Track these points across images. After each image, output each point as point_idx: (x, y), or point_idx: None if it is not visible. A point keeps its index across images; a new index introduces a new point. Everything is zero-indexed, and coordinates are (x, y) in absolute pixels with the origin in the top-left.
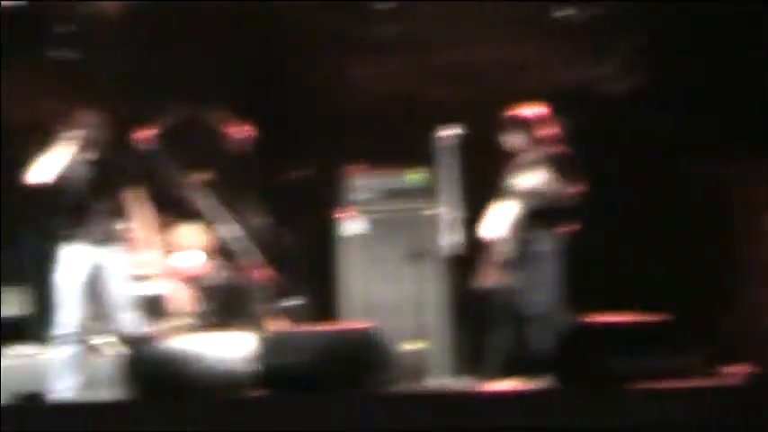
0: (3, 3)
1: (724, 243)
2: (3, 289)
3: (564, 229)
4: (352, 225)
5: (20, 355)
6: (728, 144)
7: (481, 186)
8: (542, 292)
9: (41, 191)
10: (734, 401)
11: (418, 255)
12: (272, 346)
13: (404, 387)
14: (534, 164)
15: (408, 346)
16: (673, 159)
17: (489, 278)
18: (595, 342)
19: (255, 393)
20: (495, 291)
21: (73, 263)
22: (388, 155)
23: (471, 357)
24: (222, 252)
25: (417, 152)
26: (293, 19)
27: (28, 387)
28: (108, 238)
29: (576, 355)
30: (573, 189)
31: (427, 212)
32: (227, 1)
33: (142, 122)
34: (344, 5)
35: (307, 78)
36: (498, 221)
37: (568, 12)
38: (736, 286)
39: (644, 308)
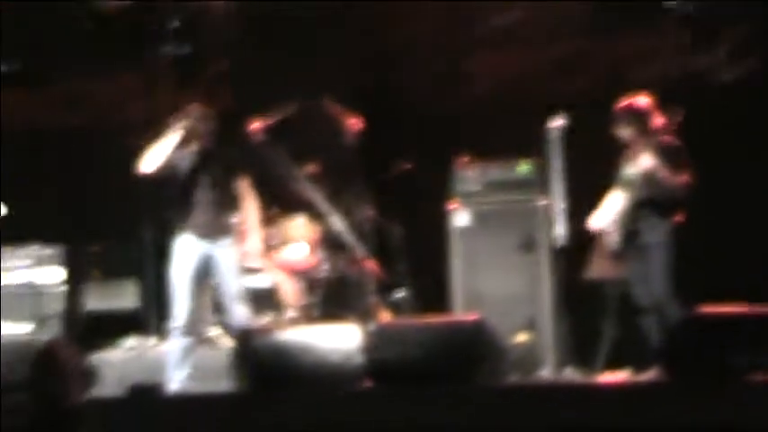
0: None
1: None
2: (120, 282)
3: (675, 219)
4: (460, 217)
5: (134, 347)
6: None
7: (590, 177)
8: (653, 283)
9: (154, 183)
10: None
11: (527, 246)
12: (380, 339)
13: (513, 380)
14: (645, 154)
15: (517, 339)
16: None
17: (599, 269)
18: (710, 333)
19: (363, 386)
20: (605, 282)
21: (185, 255)
22: (496, 146)
23: (581, 349)
24: (330, 245)
25: (526, 143)
26: (405, 11)
27: (143, 379)
28: (219, 231)
29: (690, 347)
30: (683, 179)
31: (536, 204)
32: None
33: (252, 115)
34: None
35: (417, 70)
36: (609, 212)
37: (679, 1)
38: None
39: (757, 299)
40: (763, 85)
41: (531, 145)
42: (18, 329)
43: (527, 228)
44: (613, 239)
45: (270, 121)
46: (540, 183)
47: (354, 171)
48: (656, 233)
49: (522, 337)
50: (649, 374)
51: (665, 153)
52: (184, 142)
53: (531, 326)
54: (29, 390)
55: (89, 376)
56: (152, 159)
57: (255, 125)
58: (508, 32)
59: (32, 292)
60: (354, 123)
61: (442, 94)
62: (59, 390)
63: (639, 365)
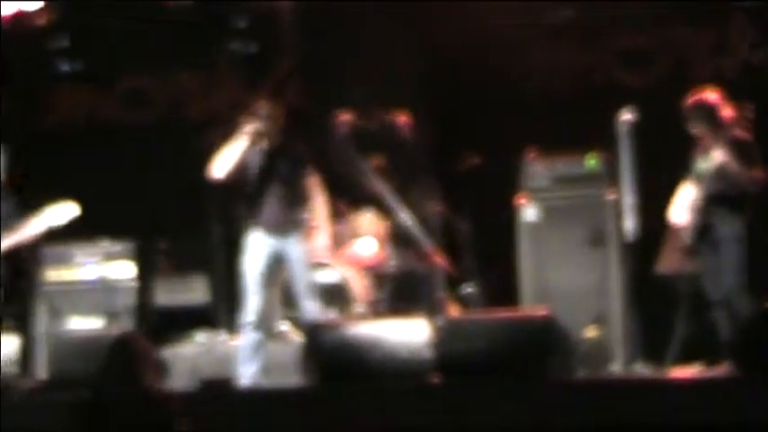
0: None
1: None
2: (190, 277)
3: (747, 214)
4: (529, 212)
5: (205, 341)
6: None
7: (659, 171)
8: (725, 277)
9: (224, 180)
10: None
11: (596, 241)
12: (449, 334)
13: (582, 375)
14: (717, 148)
15: (587, 334)
16: None
17: (670, 264)
18: None
19: (432, 380)
20: (676, 276)
21: (255, 251)
22: (565, 140)
23: (651, 344)
24: (398, 239)
25: (595, 137)
26: (472, 6)
27: (213, 373)
28: (288, 227)
29: (761, 341)
30: (755, 173)
31: (605, 198)
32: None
33: (321, 112)
34: None
35: (484, 65)
36: (681, 206)
37: None
38: None
39: None
40: None
41: (600, 139)
42: (89, 324)
43: (596, 222)
44: (686, 234)
45: (339, 117)
46: (608, 177)
47: (421, 166)
48: (729, 227)
49: (591, 332)
50: (721, 369)
51: (737, 147)
52: (254, 141)
53: (600, 320)
54: (103, 381)
55: (161, 370)
56: (222, 164)
57: (344, 118)
58: (576, 25)
59: (103, 288)
60: (404, 121)
61: (511, 88)
62: (135, 381)
63: (711, 360)
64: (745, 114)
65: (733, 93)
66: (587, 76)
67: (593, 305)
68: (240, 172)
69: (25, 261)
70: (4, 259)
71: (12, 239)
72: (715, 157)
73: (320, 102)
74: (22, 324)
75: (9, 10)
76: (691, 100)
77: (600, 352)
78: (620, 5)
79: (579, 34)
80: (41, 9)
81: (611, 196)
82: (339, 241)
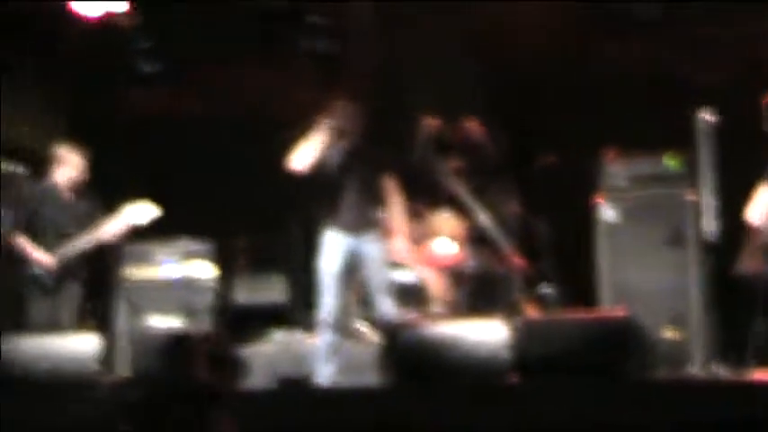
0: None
1: None
2: (268, 275)
3: None
4: (607, 211)
5: (284, 340)
6: None
7: (741, 170)
8: None
9: (303, 179)
10: None
11: (676, 241)
12: (527, 334)
13: (661, 375)
14: None
15: (665, 334)
16: None
17: (750, 264)
18: None
19: (510, 381)
20: (756, 277)
21: (332, 251)
22: (644, 139)
23: (730, 346)
24: (476, 240)
25: (674, 136)
26: (548, 4)
27: (291, 372)
28: (365, 226)
29: None
30: None
31: (685, 198)
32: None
33: (398, 112)
34: None
35: (560, 62)
36: (759, 207)
37: None
38: None
39: None
40: None
41: (680, 138)
42: (169, 322)
43: (675, 222)
44: (765, 234)
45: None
46: (688, 176)
47: (498, 167)
48: None
49: (670, 333)
50: None
51: None
52: (333, 139)
53: (679, 321)
54: (158, 378)
55: (236, 367)
56: (302, 157)
57: (430, 122)
58: (654, 23)
59: (183, 286)
60: (477, 127)
61: (587, 86)
62: (188, 378)
63: None
64: None
65: None
66: (667, 73)
67: (671, 305)
68: (318, 169)
69: (107, 260)
70: (87, 258)
71: (92, 239)
72: None
73: (397, 103)
74: (103, 322)
75: (96, 12)
76: (766, 99)
77: (678, 353)
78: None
79: (658, 31)
80: (126, 11)
81: (690, 196)
82: (417, 241)
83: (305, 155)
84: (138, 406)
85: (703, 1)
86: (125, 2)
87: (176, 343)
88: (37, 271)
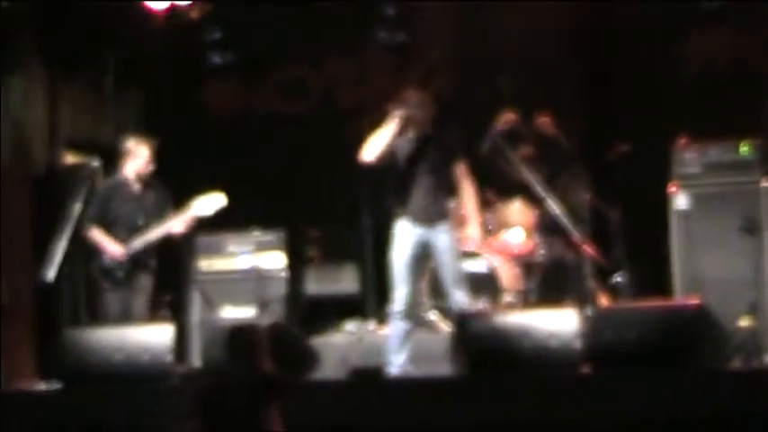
0: None
1: None
2: (340, 266)
3: None
4: (680, 199)
5: (355, 331)
6: None
7: None
8: None
9: (373, 169)
10: None
11: (750, 229)
12: (599, 324)
13: (736, 364)
14: None
15: (740, 323)
16: None
17: None
18: None
19: (582, 371)
20: None
21: (403, 241)
22: (717, 127)
23: None
24: (547, 229)
25: (748, 123)
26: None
27: (363, 362)
28: (436, 216)
29: None
30: None
31: (759, 185)
32: None
33: (469, 102)
34: None
35: (635, 52)
36: None
37: None
38: None
39: None
40: None
41: (755, 126)
42: (241, 313)
43: (749, 210)
44: None
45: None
46: (762, 164)
47: (570, 156)
48: None
49: (745, 322)
50: None
51: None
52: (403, 129)
53: (754, 310)
54: (223, 368)
55: (302, 358)
56: (373, 148)
57: (508, 116)
58: (725, 13)
59: (255, 277)
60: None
61: (661, 75)
62: (249, 370)
63: None
64: None
65: None
66: (741, 62)
67: (747, 294)
68: (390, 158)
69: (180, 252)
70: (159, 250)
71: (162, 230)
72: None
73: (469, 91)
74: (176, 312)
75: (163, 5)
76: None
77: (754, 342)
78: None
79: (734, 22)
80: (194, 3)
81: (764, 183)
82: (488, 230)
83: (376, 146)
84: (202, 395)
85: None
86: None
87: (240, 334)
88: (109, 263)
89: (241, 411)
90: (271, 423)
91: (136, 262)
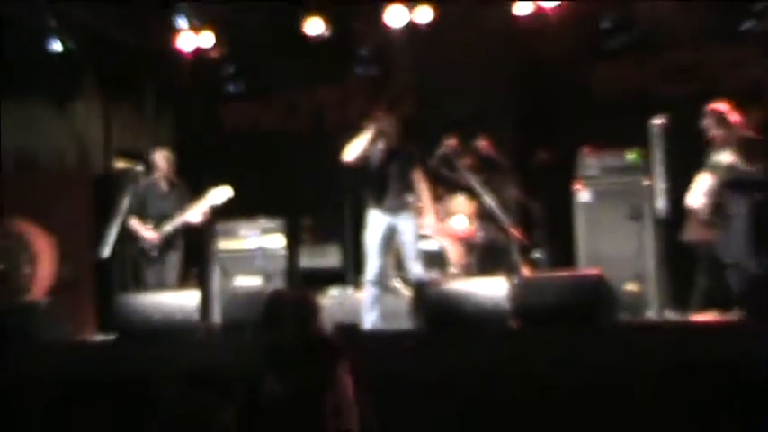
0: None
1: None
2: (327, 245)
3: (753, 196)
4: (584, 195)
5: (338, 295)
6: None
7: (685, 163)
8: (735, 245)
9: (353, 169)
10: None
11: (636, 217)
12: (524, 289)
13: (625, 320)
14: (727, 148)
15: (628, 288)
16: None
17: (693, 234)
18: None
19: (511, 326)
20: (697, 244)
21: (375, 226)
22: (612, 139)
23: (678, 296)
24: (484, 217)
25: (635, 137)
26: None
27: (345, 320)
28: (401, 207)
29: (764, 294)
30: (758, 164)
31: (643, 184)
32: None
33: (427, 121)
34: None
35: (559, 81)
36: (700, 190)
37: (754, 24)
38: None
39: None
40: None
41: (639, 138)
42: (251, 282)
43: (636, 202)
44: (704, 211)
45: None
46: (645, 168)
47: (502, 164)
48: (737, 207)
49: (631, 287)
50: (733, 315)
51: (744, 145)
52: (375, 141)
53: (639, 278)
54: (266, 326)
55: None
56: (352, 152)
57: (450, 142)
58: (627, 51)
59: (261, 254)
60: (487, 144)
61: (574, 99)
62: (287, 327)
63: (725, 308)
64: (754, 118)
65: (754, 101)
66: (633, 87)
67: (633, 266)
68: (366, 163)
69: (203, 235)
70: (185, 233)
71: (185, 218)
72: (723, 158)
73: (428, 111)
74: (201, 282)
75: (189, 47)
76: (708, 108)
77: (638, 302)
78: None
79: (633, 58)
80: (215, 44)
81: (647, 182)
82: (438, 218)
83: (354, 150)
84: (273, 349)
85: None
86: (211, 38)
87: (304, 302)
88: (145, 245)
89: (311, 373)
90: (337, 382)
91: (167, 243)
